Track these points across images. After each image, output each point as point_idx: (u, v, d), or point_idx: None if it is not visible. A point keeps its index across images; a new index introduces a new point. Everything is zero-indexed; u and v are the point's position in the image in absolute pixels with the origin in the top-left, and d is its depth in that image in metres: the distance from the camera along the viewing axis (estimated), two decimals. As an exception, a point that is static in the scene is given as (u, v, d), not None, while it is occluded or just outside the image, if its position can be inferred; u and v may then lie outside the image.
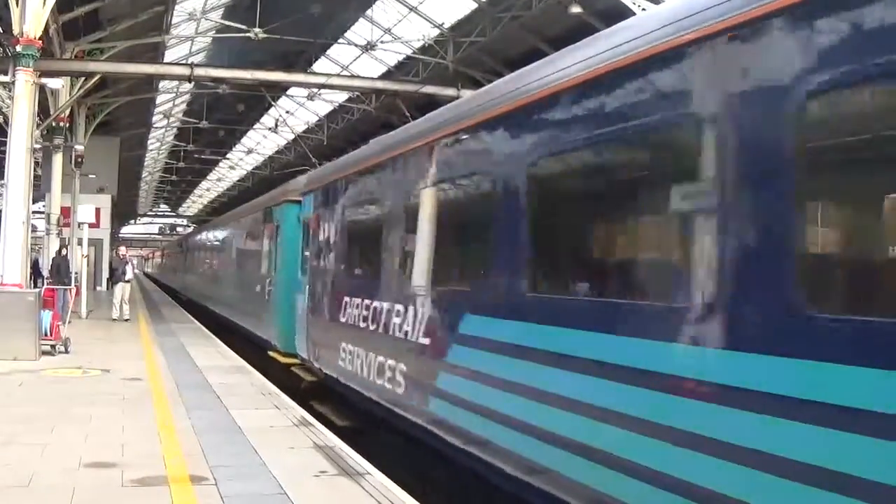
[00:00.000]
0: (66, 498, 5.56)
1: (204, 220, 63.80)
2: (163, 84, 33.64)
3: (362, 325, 8.55)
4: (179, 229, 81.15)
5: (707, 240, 3.96)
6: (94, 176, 31.91)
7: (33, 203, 17.53)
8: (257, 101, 33.90)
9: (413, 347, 7.11)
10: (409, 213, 7.69)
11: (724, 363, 3.74)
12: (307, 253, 11.65)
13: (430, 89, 23.25)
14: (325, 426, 8.43)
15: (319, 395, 11.05)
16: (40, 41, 14.89)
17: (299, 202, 12.98)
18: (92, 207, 31.53)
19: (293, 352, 12.26)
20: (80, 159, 29.01)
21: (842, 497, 3.07)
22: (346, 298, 9.24)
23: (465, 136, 6.71)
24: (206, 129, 42.54)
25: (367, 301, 8.48)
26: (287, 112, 38.58)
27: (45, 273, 23.13)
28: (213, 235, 27.21)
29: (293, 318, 12.20)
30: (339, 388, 9.72)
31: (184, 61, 29.70)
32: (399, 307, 7.49)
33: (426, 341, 6.84)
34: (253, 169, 58.75)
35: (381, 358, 7.92)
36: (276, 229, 14.45)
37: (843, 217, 3.73)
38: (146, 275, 75.34)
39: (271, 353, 13.86)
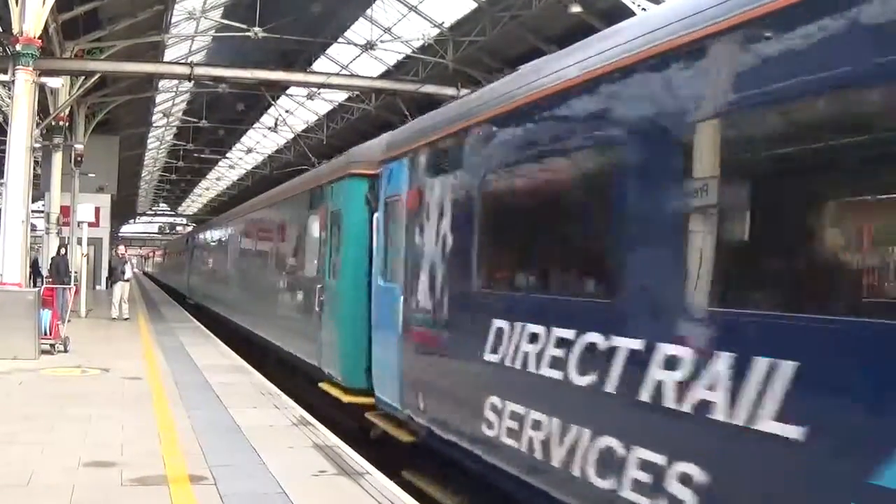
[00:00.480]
0: (65, 497, 5.56)
1: (204, 218, 63.63)
2: (162, 83, 33.61)
3: (549, 373, 5.05)
4: (179, 228, 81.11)
5: None
6: (93, 175, 31.86)
7: (33, 202, 17.53)
8: (257, 100, 33.91)
9: (730, 439, 3.58)
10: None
11: None
12: (397, 247, 8.10)
13: (429, 89, 23.26)
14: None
15: (409, 455, 7.90)
16: (40, 40, 14.88)
17: (370, 176, 9.55)
18: (91, 206, 31.43)
19: (363, 387, 9.19)
20: (79, 158, 29.02)
21: None
22: (502, 323, 5.69)
23: None
24: (205, 128, 42.58)
25: (562, 331, 4.97)
26: (287, 111, 38.58)
27: (45, 272, 23.13)
28: (235, 227, 22.27)
29: (362, 339, 9.17)
30: (473, 466, 6.24)
31: (183, 60, 29.69)
32: (675, 351, 3.95)
33: (791, 433, 3.26)
34: (252, 168, 58.79)
35: (609, 441, 4.44)
36: (332, 216, 10.85)
37: None
38: (146, 275, 75.20)
39: (324, 386, 10.48)
